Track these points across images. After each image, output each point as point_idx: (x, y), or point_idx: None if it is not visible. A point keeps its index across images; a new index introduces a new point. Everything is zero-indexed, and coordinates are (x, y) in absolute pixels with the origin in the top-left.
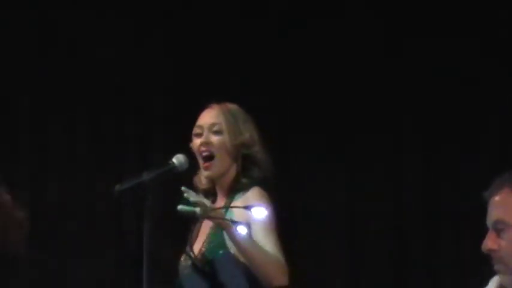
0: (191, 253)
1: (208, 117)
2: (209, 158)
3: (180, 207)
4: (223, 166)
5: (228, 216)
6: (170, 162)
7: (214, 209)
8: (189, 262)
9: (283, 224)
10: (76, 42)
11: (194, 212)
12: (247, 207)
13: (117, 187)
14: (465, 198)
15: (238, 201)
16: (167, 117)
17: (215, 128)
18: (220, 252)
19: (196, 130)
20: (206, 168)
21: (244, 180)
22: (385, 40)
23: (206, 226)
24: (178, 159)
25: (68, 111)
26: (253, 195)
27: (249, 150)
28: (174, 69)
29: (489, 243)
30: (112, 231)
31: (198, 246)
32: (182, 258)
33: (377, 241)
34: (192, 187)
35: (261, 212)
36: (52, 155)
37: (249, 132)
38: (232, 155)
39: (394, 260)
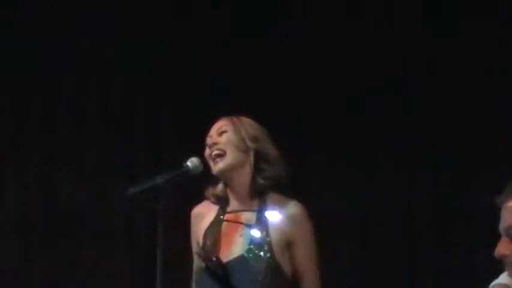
0: (214, 257)
1: (217, 126)
2: (219, 156)
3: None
4: (233, 159)
5: (263, 220)
6: (184, 165)
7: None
8: (210, 265)
9: None
10: (86, 44)
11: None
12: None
13: (131, 190)
14: (476, 200)
15: (275, 210)
16: (181, 119)
17: (221, 130)
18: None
19: (207, 140)
20: (216, 163)
21: (260, 181)
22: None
23: (231, 230)
24: (192, 162)
25: (78, 111)
26: (297, 212)
27: (257, 144)
28: (189, 73)
29: (502, 249)
30: (125, 233)
31: (225, 250)
32: (200, 261)
33: (388, 242)
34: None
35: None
36: (64, 156)
37: (253, 130)
38: (240, 148)
39: (405, 262)
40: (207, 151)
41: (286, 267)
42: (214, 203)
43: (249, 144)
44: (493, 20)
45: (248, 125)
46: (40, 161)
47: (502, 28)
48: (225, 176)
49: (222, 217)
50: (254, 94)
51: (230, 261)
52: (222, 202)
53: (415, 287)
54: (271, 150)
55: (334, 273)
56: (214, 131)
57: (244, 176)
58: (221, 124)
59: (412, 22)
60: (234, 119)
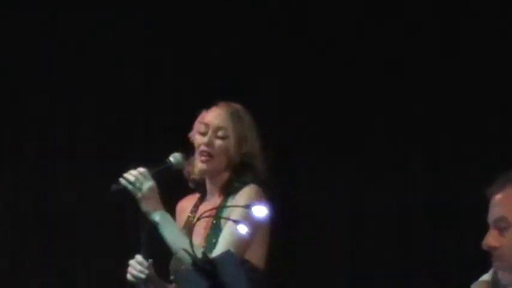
0: (190, 252)
1: (215, 117)
2: (208, 155)
3: (112, 186)
4: (220, 167)
5: (224, 215)
6: (167, 160)
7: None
8: (188, 260)
9: (285, 224)
10: (85, 41)
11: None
12: (248, 206)
13: (114, 186)
14: (466, 194)
15: (232, 202)
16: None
17: (220, 133)
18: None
19: (200, 127)
20: (202, 162)
21: (236, 185)
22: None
23: (200, 226)
24: (175, 157)
25: (72, 110)
26: (247, 193)
27: (248, 158)
28: (179, 68)
29: (490, 240)
30: (116, 229)
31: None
32: (175, 257)
33: (380, 238)
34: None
35: (261, 211)
36: (57, 154)
37: (252, 141)
38: (230, 160)
39: (396, 257)
40: (198, 142)
41: (254, 258)
42: (193, 191)
43: (242, 159)
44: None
45: (248, 132)
46: (34, 159)
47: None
48: (203, 174)
49: (195, 212)
50: (247, 88)
51: (217, 257)
52: (200, 190)
53: (407, 283)
54: (258, 160)
55: (327, 269)
56: (211, 123)
57: (222, 179)
58: (222, 123)
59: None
60: (236, 120)
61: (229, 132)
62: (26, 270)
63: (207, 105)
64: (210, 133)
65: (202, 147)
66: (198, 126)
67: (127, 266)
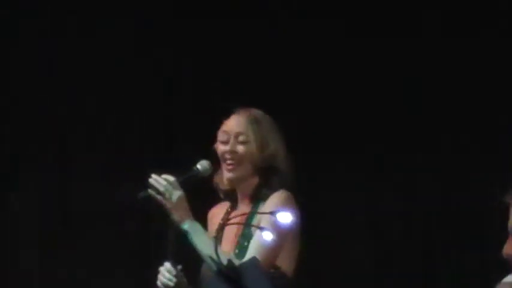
0: (217, 259)
1: (235, 124)
2: (232, 163)
3: (139, 195)
4: (246, 173)
5: (254, 222)
6: (194, 168)
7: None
8: (214, 268)
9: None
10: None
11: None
12: (272, 213)
13: (141, 194)
14: (484, 198)
15: (262, 209)
16: (192, 118)
17: (241, 138)
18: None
19: (222, 136)
20: (228, 170)
21: (264, 191)
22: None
23: (231, 232)
24: (202, 165)
25: (92, 111)
26: (276, 199)
27: (273, 163)
28: (196, 72)
29: (510, 248)
30: (138, 235)
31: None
32: (205, 264)
33: (399, 241)
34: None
35: (286, 217)
36: (75, 158)
37: (274, 144)
38: (255, 166)
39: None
40: (221, 151)
41: (284, 264)
42: (224, 199)
43: (266, 163)
44: None
45: (269, 137)
46: (55, 162)
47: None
48: (232, 183)
49: (227, 219)
50: (265, 91)
51: (242, 264)
52: (231, 200)
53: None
54: (283, 164)
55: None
56: (232, 132)
57: (250, 185)
58: (241, 129)
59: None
60: (256, 125)
61: (250, 137)
62: (51, 271)
63: (227, 113)
64: (231, 140)
65: (226, 156)
66: (219, 135)
67: (150, 271)
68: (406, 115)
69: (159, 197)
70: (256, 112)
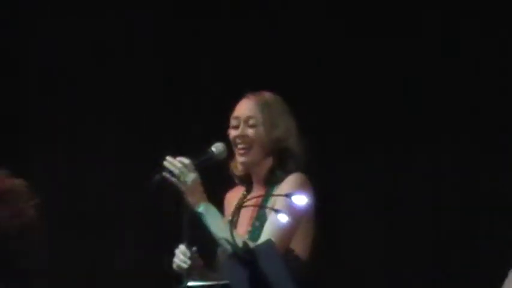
0: (232, 241)
1: (244, 109)
2: (244, 147)
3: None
4: (258, 156)
5: (268, 204)
6: (209, 150)
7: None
8: (229, 250)
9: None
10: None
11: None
12: (287, 195)
13: (156, 176)
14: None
15: (277, 191)
16: (205, 105)
17: (251, 122)
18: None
19: (232, 122)
20: (241, 155)
21: (279, 173)
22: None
23: (246, 215)
24: (217, 147)
25: (105, 99)
26: (291, 181)
27: (284, 144)
28: (212, 59)
29: None
30: (151, 220)
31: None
32: (220, 247)
33: (415, 228)
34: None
35: (301, 199)
36: (88, 144)
37: (285, 124)
38: (267, 148)
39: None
40: (232, 136)
41: (299, 247)
42: (239, 184)
43: (277, 144)
44: None
45: (279, 118)
46: (67, 150)
47: None
48: (246, 167)
49: (242, 202)
50: (279, 76)
51: (257, 246)
52: (247, 184)
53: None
54: (295, 145)
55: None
56: (242, 116)
57: (264, 168)
58: (251, 112)
59: None
60: (265, 108)
61: (259, 120)
62: (64, 262)
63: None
64: (241, 125)
65: (237, 140)
66: (230, 121)
67: (165, 255)
68: (423, 108)
69: (173, 179)
70: (267, 95)
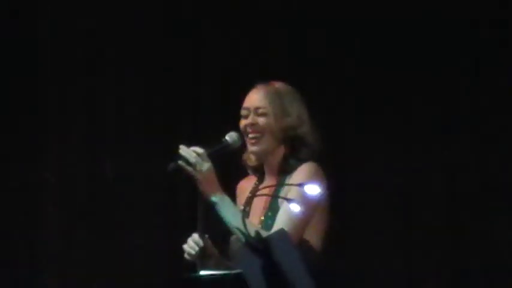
0: (245, 230)
1: (254, 99)
2: (255, 136)
3: (170, 166)
4: (270, 145)
5: (281, 194)
6: (223, 139)
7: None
8: (242, 239)
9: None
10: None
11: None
12: (300, 185)
13: (171, 165)
14: None
15: (290, 181)
16: (219, 92)
17: (260, 111)
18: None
19: (242, 112)
20: (252, 144)
21: (292, 162)
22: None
23: (258, 205)
24: (231, 137)
25: (119, 87)
26: (304, 171)
27: (296, 132)
28: (228, 50)
29: None
30: (167, 207)
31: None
32: (233, 236)
33: (429, 215)
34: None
35: (314, 189)
36: (105, 129)
37: (296, 113)
38: (278, 137)
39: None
40: (243, 125)
41: (313, 238)
42: (253, 174)
43: (288, 133)
44: None
45: (289, 106)
46: (82, 135)
47: None
48: (258, 157)
49: (255, 192)
50: (292, 63)
51: (270, 236)
52: (259, 174)
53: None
54: (308, 134)
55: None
56: (251, 106)
57: (277, 157)
58: (260, 103)
59: None
60: (274, 97)
61: (269, 109)
62: (78, 246)
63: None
64: (251, 114)
65: (248, 130)
66: (241, 112)
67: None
68: (443, 93)
69: (189, 168)
70: (277, 84)
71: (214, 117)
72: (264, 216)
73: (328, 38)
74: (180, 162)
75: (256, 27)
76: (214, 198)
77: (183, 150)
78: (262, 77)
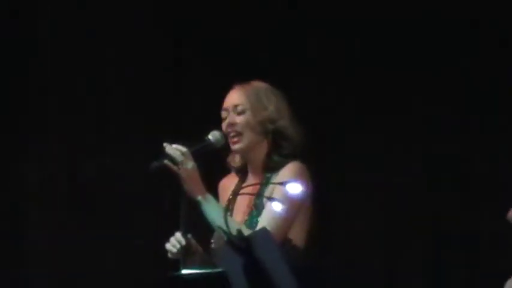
0: (227, 229)
1: (232, 98)
2: (235, 135)
3: (153, 164)
4: (251, 141)
5: (266, 193)
6: (206, 138)
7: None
8: (224, 238)
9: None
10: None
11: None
12: (282, 183)
13: (153, 164)
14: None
15: (275, 180)
16: (202, 91)
17: (238, 109)
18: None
19: (222, 114)
20: (233, 143)
21: (276, 158)
22: None
23: (242, 203)
24: (214, 135)
25: (100, 87)
26: (289, 170)
27: (275, 125)
28: (226, 50)
29: None
30: (149, 206)
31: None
32: (216, 234)
33: (412, 213)
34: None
35: (296, 188)
36: (88, 130)
37: (273, 106)
38: (258, 132)
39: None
40: (224, 127)
41: (296, 237)
42: (236, 174)
43: (268, 126)
44: None
45: (266, 100)
46: (63, 135)
47: None
48: (242, 154)
49: (238, 190)
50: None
51: (252, 234)
52: (242, 173)
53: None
54: (288, 127)
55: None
56: (230, 106)
57: (260, 154)
58: (237, 100)
59: None
60: (251, 93)
61: (246, 105)
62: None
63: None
64: (230, 114)
65: (228, 130)
66: (221, 114)
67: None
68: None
69: (174, 167)
70: (255, 83)
71: (197, 118)
72: (249, 215)
73: (328, 38)
74: (166, 161)
75: (256, 27)
76: (199, 197)
77: (168, 148)
78: (259, 77)
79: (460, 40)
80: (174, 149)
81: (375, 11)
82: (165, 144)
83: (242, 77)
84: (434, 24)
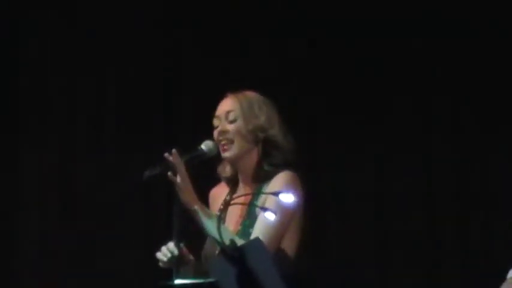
0: (220, 238)
1: (224, 106)
2: (226, 143)
3: (146, 172)
4: (242, 149)
5: (258, 202)
6: (199, 148)
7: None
8: (217, 247)
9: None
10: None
11: (158, 173)
12: (275, 193)
13: (146, 173)
14: (495, 180)
15: (266, 189)
16: (195, 100)
17: (230, 117)
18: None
19: (214, 122)
20: (224, 151)
21: (266, 167)
22: None
23: (235, 213)
24: (207, 145)
25: (95, 95)
26: (281, 179)
27: (266, 133)
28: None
29: None
30: (141, 214)
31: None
32: (208, 243)
33: (406, 218)
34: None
35: (288, 198)
36: (80, 137)
37: (264, 116)
38: (249, 140)
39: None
40: (216, 134)
41: (288, 246)
42: (226, 184)
43: (259, 134)
44: None
45: (258, 109)
46: (58, 142)
47: None
48: (232, 163)
49: (230, 199)
50: (269, 76)
51: (244, 244)
52: (233, 183)
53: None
54: (279, 136)
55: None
56: (222, 113)
57: (251, 162)
58: (230, 107)
59: None
60: (243, 101)
61: (238, 113)
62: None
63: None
64: (221, 121)
65: (219, 137)
66: (213, 122)
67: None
68: (419, 94)
69: (174, 178)
70: (247, 92)
71: (190, 127)
72: (241, 225)
73: (327, 38)
74: (163, 169)
75: (255, 28)
76: (195, 207)
77: (167, 157)
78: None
79: (460, 40)
80: (170, 159)
81: (375, 11)
82: (165, 155)
83: (242, 77)
84: (434, 24)
